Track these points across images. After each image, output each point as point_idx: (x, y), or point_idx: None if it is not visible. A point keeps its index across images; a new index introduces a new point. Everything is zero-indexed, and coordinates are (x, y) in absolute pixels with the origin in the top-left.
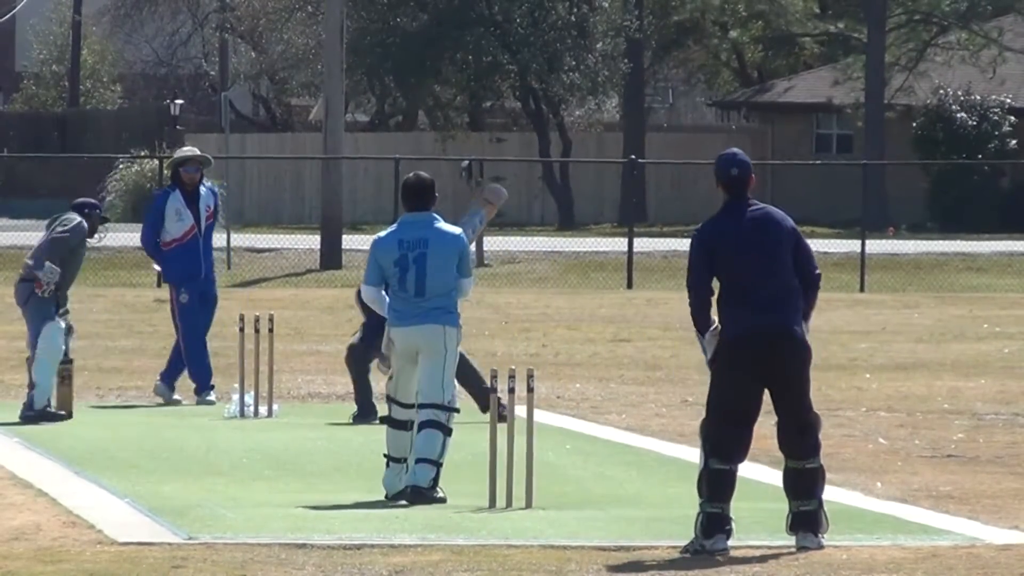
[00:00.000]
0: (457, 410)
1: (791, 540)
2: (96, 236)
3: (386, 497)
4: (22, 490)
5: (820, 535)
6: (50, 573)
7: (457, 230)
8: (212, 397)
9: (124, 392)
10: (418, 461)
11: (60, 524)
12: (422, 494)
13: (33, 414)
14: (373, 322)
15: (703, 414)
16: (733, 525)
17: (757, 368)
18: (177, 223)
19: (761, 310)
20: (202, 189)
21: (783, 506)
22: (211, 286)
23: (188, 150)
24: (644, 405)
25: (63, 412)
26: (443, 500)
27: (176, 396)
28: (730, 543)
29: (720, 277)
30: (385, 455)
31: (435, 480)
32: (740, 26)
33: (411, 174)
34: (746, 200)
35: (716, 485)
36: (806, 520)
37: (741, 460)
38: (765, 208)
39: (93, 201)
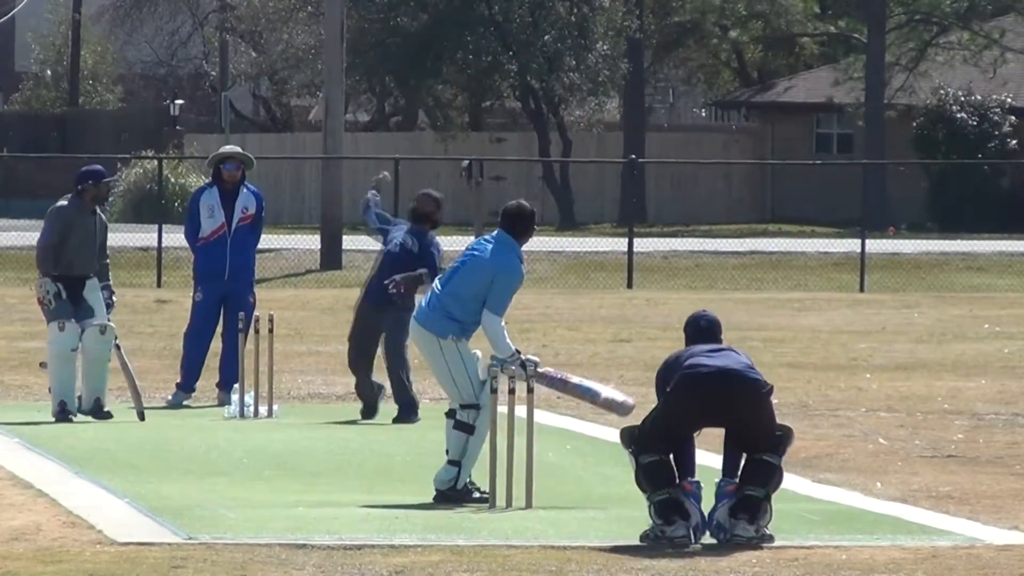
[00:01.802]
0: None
1: (791, 540)
2: (102, 205)
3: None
4: (22, 490)
5: (760, 525)
6: (50, 573)
7: (503, 262)
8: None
9: (124, 392)
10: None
11: (60, 524)
12: (442, 495)
13: (54, 418)
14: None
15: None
16: (689, 510)
17: (709, 406)
18: (208, 220)
19: (714, 359)
20: (244, 190)
21: (782, 507)
22: (239, 288)
23: (229, 148)
24: (644, 405)
25: (71, 418)
26: (465, 494)
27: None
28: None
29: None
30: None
31: (455, 479)
32: (740, 26)
33: (515, 203)
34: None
35: (653, 474)
36: (747, 504)
37: (672, 451)
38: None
39: (93, 169)
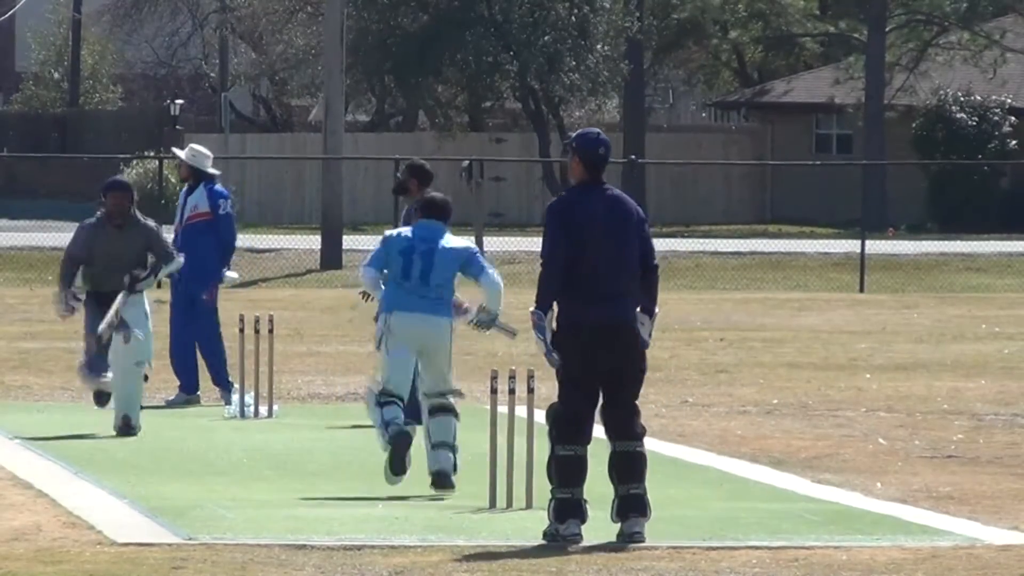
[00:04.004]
0: (461, 393)
1: (791, 540)
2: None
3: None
4: (22, 490)
5: (646, 520)
6: (50, 573)
7: (465, 243)
8: (185, 400)
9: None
10: (436, 446)
11: (60, 525)
12: (448, 478)
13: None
14: None
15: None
16: (587, 509)
17: (597, 357)
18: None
19: (604, 302)
20: (201, 189)
21: (783, 507)
22: (193, 287)
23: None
24: (643, 405)
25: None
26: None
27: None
28: (584, 528)
29: (569, 256)
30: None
31: (456, 465)
32: (740, 26)
33: (438, 195)
34: (602, 182)
35: (564, 470)
36: (637, 503)
37: (586, 443)
38: (618, 192)
39: (106, 181)
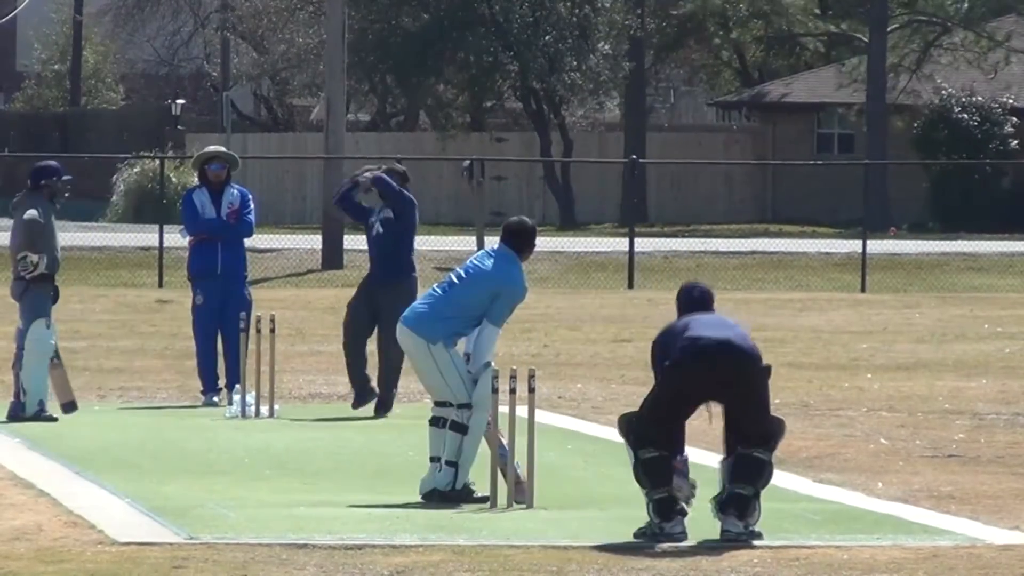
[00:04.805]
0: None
1: (792, 540)
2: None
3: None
4: (23, 490)
5: (749, 522)
6: (51, 573)
7: (510, 276)
8: (216, 399)
9: (126, 392)
10: (441, 462)
11: (61, 524)
12: (440, 496)
13: (26, 417)
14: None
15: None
16: (685, 507)
17: (712, 378)
18: (201, 219)
19: (717, 331)
20: (231, 189)
21: (784, 506)
22: (234, 285)
23: (214, 148)
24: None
25: (54, 416)
26: (466, 495)
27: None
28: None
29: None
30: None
31: (453, 481)
32: (741, 26)
33: (513, 220)
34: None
35: (654, 472)
36: (737, 502)
37: (672, 449)
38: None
39: (52, 165)
